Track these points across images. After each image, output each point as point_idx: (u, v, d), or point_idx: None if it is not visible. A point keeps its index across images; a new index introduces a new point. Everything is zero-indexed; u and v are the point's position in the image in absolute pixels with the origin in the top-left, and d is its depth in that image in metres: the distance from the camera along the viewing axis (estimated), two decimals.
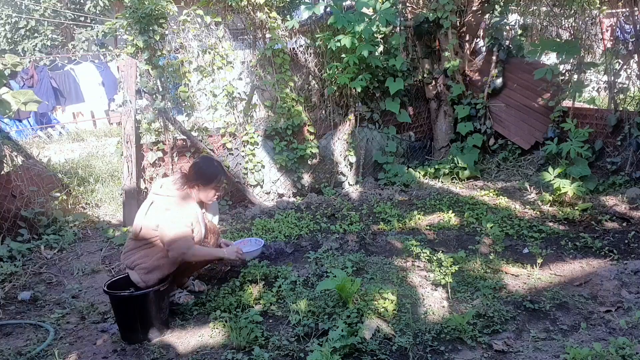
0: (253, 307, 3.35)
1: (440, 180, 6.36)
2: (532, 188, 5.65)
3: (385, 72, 6.39)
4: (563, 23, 6.73)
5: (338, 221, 5.09)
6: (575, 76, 6.07)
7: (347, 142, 6.37)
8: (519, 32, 7.14)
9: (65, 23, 14.87)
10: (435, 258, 3.95)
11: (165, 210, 3.23)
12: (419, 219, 5.01)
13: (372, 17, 5.89)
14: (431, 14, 6.43)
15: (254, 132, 5.89)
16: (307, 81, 6.32)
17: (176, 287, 3.52)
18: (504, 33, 6.94)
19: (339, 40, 5.73)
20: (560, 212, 4.90)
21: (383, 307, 3.20)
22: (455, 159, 6.44)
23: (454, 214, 5.03)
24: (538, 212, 4.99)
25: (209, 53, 5.63)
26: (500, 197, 5.48)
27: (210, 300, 3.49)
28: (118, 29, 5.38)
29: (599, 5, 6.35)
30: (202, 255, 3.45)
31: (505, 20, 6.96)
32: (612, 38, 6.64)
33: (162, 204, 3.25)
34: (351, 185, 6.41)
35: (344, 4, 6.06)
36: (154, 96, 5.39)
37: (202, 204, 3.53)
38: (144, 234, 3.24)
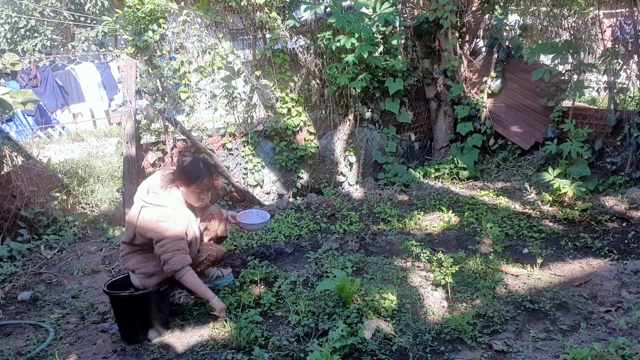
0: (253, 307, 3.35)
1: (440, 180, 6.36)
2: (532, 188, 5.65)
3: (385, 72, 6.39)
4: (563, 23, 6.73)
5: (338, 221, 5.09)
6: (575, 77, 6.07)
7: (347, 142, 6.37)
8: (519, 32, 7.14)
9: (65, 23, 14.87)
10: (435, 258, 3.95)
11: (156, 222, 3.09)
12: (419, 219, 5.01)
13: (372, 17, 5.89)
14: (431, 14, 6.43)
15: (254, 132, 5.89)
16: (307, 81, 6.32)
17: (176, 287, 3.52)
18: (504, 33, 6.93)
19: (338, 40, 5.73)
20: (560, 212, 4.90)
21: (383, 307, 3.19)
22: (455, 159, 6.44)
23: (454, 214, 5.03)
24: (538, 212, 4.99)
25: (209, 53, 5.63)
26: (500, 197, 5.48)
27: None
28: (118, 29, 5.38)
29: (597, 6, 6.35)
30: (192, 285, 3.17)
31: (505, 21, 6.95)
32: (612, 38, 6.63)
33: (152, 215, 3.12)
34: (351, 185, 6.41)
35: (344, 4, 6.06)
36: (154, 96, 5.39)
37: (193, 209, 3.35)
38: (137, 240, 3.20)
